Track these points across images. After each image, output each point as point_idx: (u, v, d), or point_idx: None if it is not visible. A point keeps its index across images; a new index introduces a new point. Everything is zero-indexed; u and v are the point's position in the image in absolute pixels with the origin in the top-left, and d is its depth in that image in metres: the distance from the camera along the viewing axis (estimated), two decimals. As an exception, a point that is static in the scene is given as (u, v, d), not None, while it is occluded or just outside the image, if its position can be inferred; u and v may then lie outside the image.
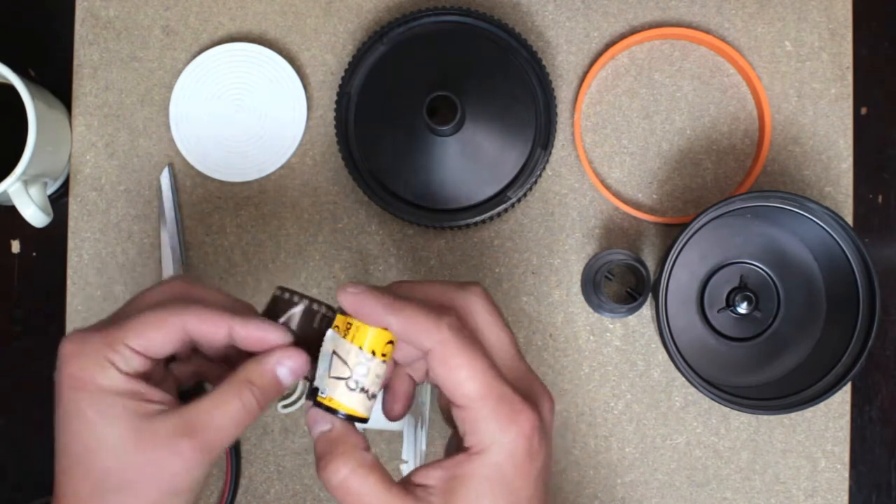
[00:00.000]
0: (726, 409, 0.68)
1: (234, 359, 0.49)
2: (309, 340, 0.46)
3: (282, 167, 0.70)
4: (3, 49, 0.71)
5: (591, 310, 0.69)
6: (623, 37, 0.70)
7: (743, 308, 0.66)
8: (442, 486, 0.42)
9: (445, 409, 0.47)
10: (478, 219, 0.65)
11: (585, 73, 0.70)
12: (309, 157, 0.70)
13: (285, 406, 0.69)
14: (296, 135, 0.70)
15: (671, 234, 0.69)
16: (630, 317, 0.69)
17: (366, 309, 0.43)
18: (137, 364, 0.44)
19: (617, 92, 0.71)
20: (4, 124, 0.67)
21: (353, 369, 0.43)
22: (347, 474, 0.42)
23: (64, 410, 0.43)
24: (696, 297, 0.68)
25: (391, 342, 0.44)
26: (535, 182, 0.66)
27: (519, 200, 0.66)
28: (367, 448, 0.43)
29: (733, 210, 0.62)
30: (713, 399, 0.62)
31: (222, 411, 0.44)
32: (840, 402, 0.68)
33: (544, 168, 0.66)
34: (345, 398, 0.43)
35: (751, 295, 0.66)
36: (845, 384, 0.61)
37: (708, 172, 0.70)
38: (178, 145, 0.70)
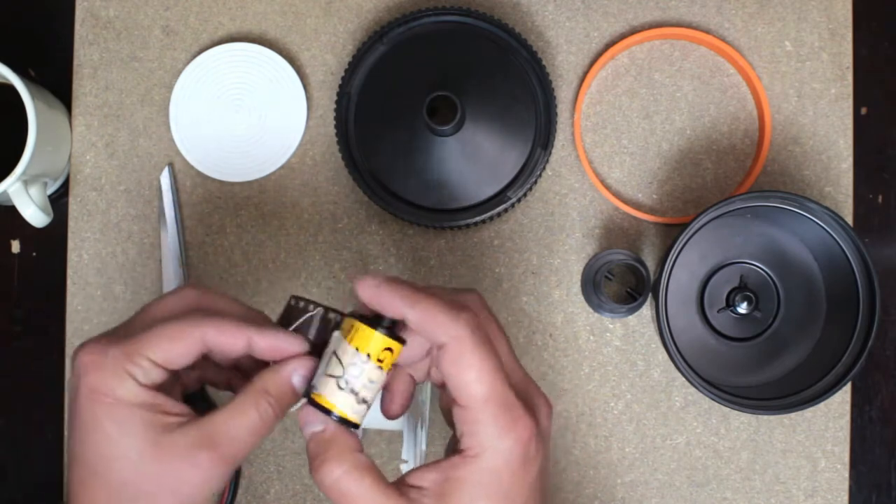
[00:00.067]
0: (726, 409, 0.68)
1: (242, 365, 0.49)
2: (323, 349, 0.46)
3: (282, 167, 0.70)
4: (3, 49, 0.71)
5: (591, 310, 0.69)
6: (623, 37, 0.70)
7: (743, 308, 0.66)
8: (436, 489, 0.42)
9: (447, 408, 0.47)
10: (478, 219, 0.65)
11: (585, 73, 0.70)
12: (309, 157, 0.70)
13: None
14: (296, 135, 0.70)
15: (671, 234, 0.69)
16: (630, 317, 0.69)
17: (384, 300, 0.43)
18: (156, 376, 0.44)
19: (617, 92, 0.71)
20: (4, 124, 0.67)
21: (347, 369, 0.43)
22: (340, 475, 0.42)
23: (81, 422, 0.43)
24: (696, 297, 0.68)
25: (389, 349, 0.43)
26: (535, 182, 0.66)
27: (519, 200, 0.66)
28: (361, 449, 0.43)
29: (733, 210, 0.62)
30: (713, 399, 0.62)
31: (240, 422, 0.44)
32: (840, 402, 0.68)
33: (544, 168, 0.66)
34: (334, 397, 0.43)
35: (751, 295, 0.66)
36: (845, 384, 0.61)
37: (708, 172, 0.70)
38: (178, 145, 0.70)
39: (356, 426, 0.44)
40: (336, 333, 0.45)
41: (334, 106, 0.66)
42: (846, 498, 0.68)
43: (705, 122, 0.70)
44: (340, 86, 0.66)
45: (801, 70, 0.70)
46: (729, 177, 0.70)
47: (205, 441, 0.43)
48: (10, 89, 0.64)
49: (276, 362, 0.46)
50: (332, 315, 0.46)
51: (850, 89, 0.70)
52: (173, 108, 0.70)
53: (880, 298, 0.61)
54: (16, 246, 0.71)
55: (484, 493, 0.42)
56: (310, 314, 0.46)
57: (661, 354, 0.69)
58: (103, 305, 0.70)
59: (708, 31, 0.70)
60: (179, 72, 0.70)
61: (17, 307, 0.71)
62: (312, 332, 0.46)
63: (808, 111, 0.70)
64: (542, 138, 0.65)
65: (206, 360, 0.48)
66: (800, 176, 0.70)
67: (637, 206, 0.70)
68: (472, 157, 0.65)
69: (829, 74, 0.70)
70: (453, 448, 0.44)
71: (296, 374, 0.45)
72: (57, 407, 0.70)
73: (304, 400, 0.45)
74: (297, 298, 0.47)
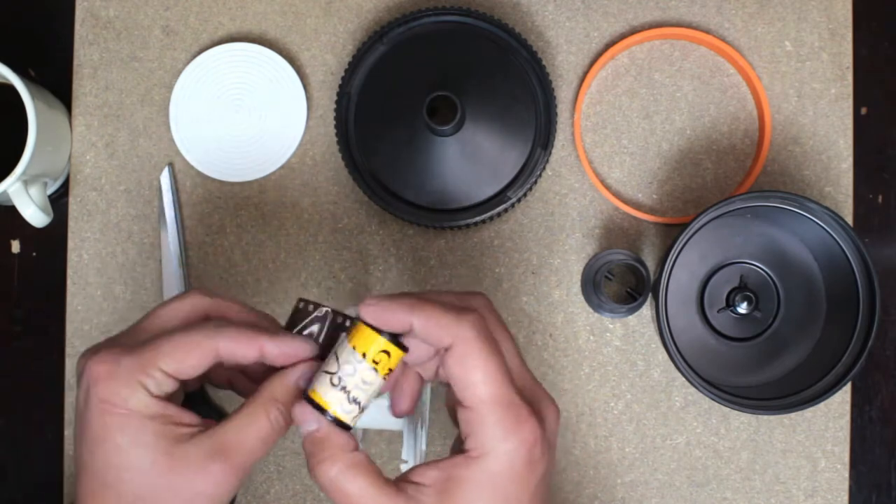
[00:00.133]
0: (726, 409, 0.68)
1: (248, 367, 0.49)
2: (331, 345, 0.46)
3: (282, 167, 0.70)
4: (3, 49, 0.71)
5: (591, 310, 0.69)
6: (623, 37, 0.70)
7: (743, 308, 0.66)
8: (437, 486, 0.42)
9: (452, 408, 0.47)
10: (478, 219, 0.65)
11: (585, 73, 0.70)
12: (309, 157, 0.70)
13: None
14: (296, 135, 0.70)
15: (671, 234, 0.69)
16: (630, 317, 0.69)
17: (387, 315, 0.43)
18: (168, 387, 0.44)
19: (617, 92, 0.71)
20: (4, 124, 0.67)
21: (342, 367, 0.43)
22: (335, 475, 0.42)
23: (91, 432, 0.43)
24: (696, 297, 0.68)
25: (385, 352, 0.43)
26: (535, 182, 0.66)
27: (519, 200, 0.66)
28: (356, 448, 0.43)
29: (733, 210, 0.62)
30: (713, 399, 0.62)
31: (251, 431, 0.44)
32: (840, 402, 0.68)
33: (544, 168, 0.66)
34: (327, 394, 0.43)
35: (751, 295, 0.66)
36: (845, 384, 0.61)
37: (708, 172, 0.70)
38: (178, 145, 0.70)
39: (347, 427, 0.44)
40: (343, 335, 0.45)
41: (334, 106, 0.66)
42: (846, 498, 0.68)
43: (705, 122, 0.70)
44: (340, 86, 0.66)
45: (801, 70, 0.70)
46: (729, 177, 0.70)
47: (216, 451, 0.43)
48: (10, 89, 0.64)
49: (284, 367, 0.46)
50: (339, 319, 0.46)
51: (850, 89, 0.70)
52: (173, 108, 0.70)
53: (880, 298, 0.61)
54: (16, 246, 0.71)
55: (485, 495, 0.42)
56: (318, 315, 0.46)
57: (661, 354, 0.69)
58: (103, 305, 0.70)
59: (708, 31, 0.70)
60: (179, 72, 0.70)
61: (17, 307, 0.71)
62: (321, 336, 0.46)
63: (808, 111, 0.70)
64: (542, 138, 0.65)
65: None
66: (800, 176, 0.70)
67: (637, 206, 0.70)
68: (472, 157, 0.65)
69: (829, 74, 0.70)
70: (458, 448, 0.44)
71: (303, 380, 0.45)
72: (57, 407, 0.70)
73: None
74: (306, 301, 0.47)
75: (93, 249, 0.70)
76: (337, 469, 0.42)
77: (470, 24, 0.66)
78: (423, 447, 0.64)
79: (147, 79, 0.71)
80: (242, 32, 0.71)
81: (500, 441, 0.42)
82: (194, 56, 0.70)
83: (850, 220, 0.70)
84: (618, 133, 0.70)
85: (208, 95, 0.70)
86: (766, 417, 0.68)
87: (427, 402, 0.65)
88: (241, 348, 0.44)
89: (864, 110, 0.71)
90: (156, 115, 0.71)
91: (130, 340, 0.45)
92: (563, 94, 0.70)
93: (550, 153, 0.65)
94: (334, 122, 0.66)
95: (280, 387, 0.45)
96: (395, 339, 0.44)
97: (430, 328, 0.43)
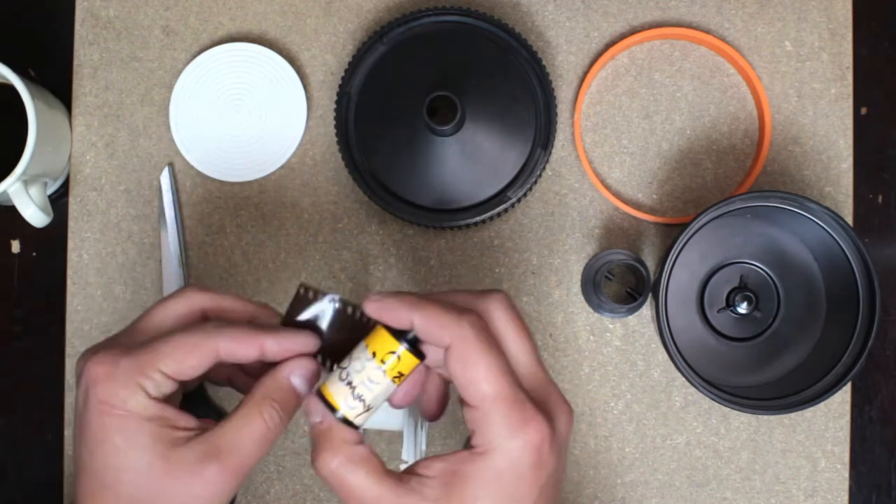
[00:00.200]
0: (726, 409, 0.68)
1: (247, 364, 0.49)
2: (341, 337, 0.46)
3: (282, 167, 0.70)
4: (3, 49, 0.71)
5: (591, 310, 0.69)
6: (623, 37, 0.70)
7: (743, 308, 0.66)
8: (442, 479, 0.42)
9: (460, 406, 0.47)
10: (478, 219, 0.65)
11: (585, 73, 0.70)
12: (309, 157, 0.70)
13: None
14: (296, 135, 0.70)
15: (671, 234, 0.69)
16: (630, 317, 0.69)
17: (389, 311, 0.43)
18: (166, 388, 0.44)
19: (617, 92, 0.71)
20: (4, 124, 0.67)
21: (352, 363, 0.44)
22: (336, 467, 0.42)
23: (90, 432, 0.43)
24: (696, 297, 0.68)
25: (394, 352, 0.43)
26: (535, 182, 0.66)
27: (519, 200, 0.66)
28: (359, 441, 0.43)
29: (733, 210, 0.62)
30: (713, 399, 0.62)
31: (247, 433, 0.44)
32: (840, 402, 0.68)
33: (544, 168, 0.66)
34: (334, 388, 0.44)
35: (751, 295, 0.66)
36: (845, 384, 0.61)
37: (708, 172, 0.70)
38: (178, 145, 0.70)
39: (354, 426, 0.44)
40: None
41: (334, 106, 0.66)
42: (846, 498, 0.68)
43: (705, 122, 0.70)
44: (340, 86, 0.66)
45: (801, 70, 0.70)
46: (729, 177, 0.70)
47: (212, 454, 0.43)
48: (10, 89, 0.64)
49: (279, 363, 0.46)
50: (339, 304, 0.46)
51: (850, 89, 0.70)
52: (173, 108, 0.70)
53: (880, 298, 0.61)
54: (16, 246, 0.71)
55: (490, 491, 0.42)
56: (320, 303, 0.46)
57: (661, 354, 0.69)
58: (103, 305, 0.70)
59: (708, 31, 0.70)
60: (179, 72, 0.70)
61: (17, 307, 0.71)
62: (325, 323, 0.46)
63: (808, 111, 0.70)
64: (542, 138, 0.65)
65: None
66: (800, 176, 0.70)
67: (637, 206, 0.70)
68: (472, 157, 0.65)
69: (829, 74, 0.70)
70: (465, 444, 0.44)
71: (294, 375, 0.45)
72: (57, 407, 0.70)
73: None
74: (307, 288, 0.46)
75: (93, 249, 0.70)
76: (338, 461, 0.42)
77: (470, 24, 0.66)
78: (423, 447, 0.64)
79: (147, 79, 0.71)
80: (242, 32, 0.71)
81: (505, 438, 0.42)
82: (194, 56, 0.70)
83: (850, 220, 0.70)
84: (618, 133, 0.70)
85: (208, 95, 0.70)
86: (766, 417, 0.68)
87: (427, 402, 0.65)
88: (242, 348, 0.44)
89: (864, 110, 0.71)
90: (156, 115, 0.71)
91: (129, 341, 0.45)
92: (563, 94, 0.70)
93: (550, 153, 0.65)
94: (334, 122, 0.66)
95: (273, 384, 0.45)
96: (414, 345, 0.44)
97: (430, 327, 0.43)
